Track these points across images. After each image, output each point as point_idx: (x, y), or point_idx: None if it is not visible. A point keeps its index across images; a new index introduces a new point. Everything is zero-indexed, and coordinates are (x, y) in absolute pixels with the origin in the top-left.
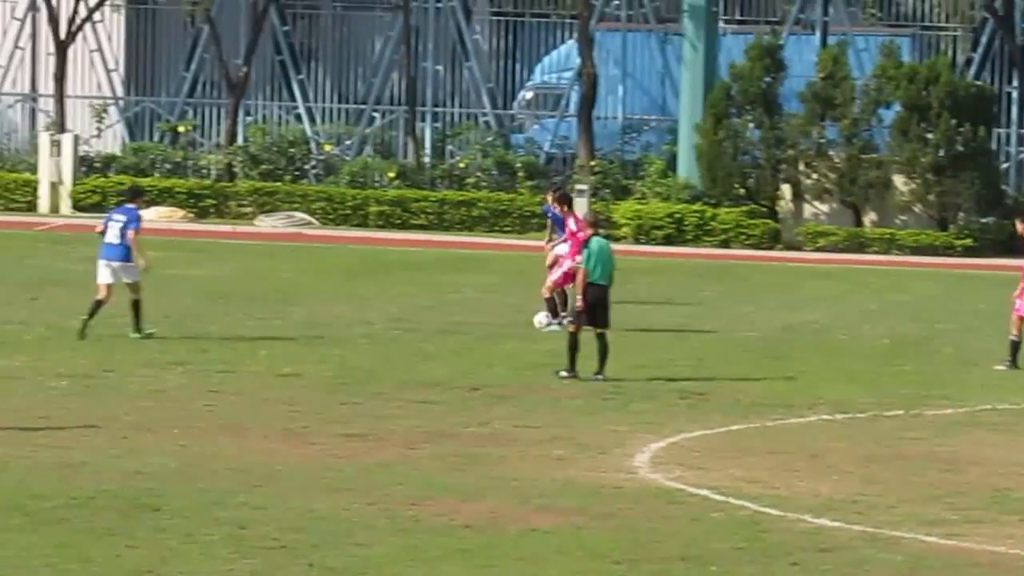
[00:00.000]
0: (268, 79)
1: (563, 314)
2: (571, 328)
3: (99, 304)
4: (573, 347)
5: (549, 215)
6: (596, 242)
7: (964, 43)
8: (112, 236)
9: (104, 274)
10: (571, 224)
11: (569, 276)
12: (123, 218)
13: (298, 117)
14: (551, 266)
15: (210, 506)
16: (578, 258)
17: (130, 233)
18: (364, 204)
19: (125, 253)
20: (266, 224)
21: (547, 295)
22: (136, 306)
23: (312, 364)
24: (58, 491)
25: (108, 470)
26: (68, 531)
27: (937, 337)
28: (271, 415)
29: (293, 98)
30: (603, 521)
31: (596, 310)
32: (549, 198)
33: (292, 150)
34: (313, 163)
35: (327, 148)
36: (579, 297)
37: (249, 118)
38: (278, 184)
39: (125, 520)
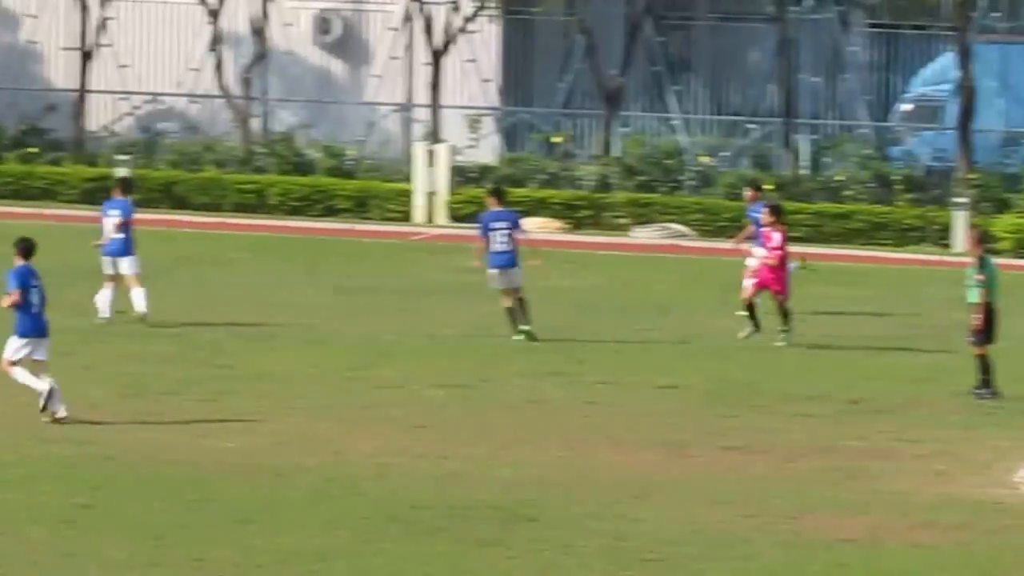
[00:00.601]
0: (643, 90)
1: (750, 328)
2: (977, 351)
3: (510, 311)
4: (986, 367)
5: (750, 216)
6: (991, 260)
7: None
8: (498, 244)
9: (497, 280)
10: (776, 238)
11: (759, 287)
12: (505, 224)
13: (673, 128)
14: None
15: (587, 517)
16: (977, 277)
17: (518, 235)
18: (740, 216)
19: (512, 259)
20: (641, 235)
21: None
22: (522, 303)
23: (690, 376)
24: (435, 501)
25: (485, 480)
26: (445, 541)
27: None
28: (649, 427)
29: (668, 109)
30: (986, 537)
31: (987, 327)
32: (747, 194)
33: (667, 161)
34: (689, 174)
35: (703, 159)
36: (978, 316)
37: (624, 129)
38: (653, 195)
39: (503, 531)
